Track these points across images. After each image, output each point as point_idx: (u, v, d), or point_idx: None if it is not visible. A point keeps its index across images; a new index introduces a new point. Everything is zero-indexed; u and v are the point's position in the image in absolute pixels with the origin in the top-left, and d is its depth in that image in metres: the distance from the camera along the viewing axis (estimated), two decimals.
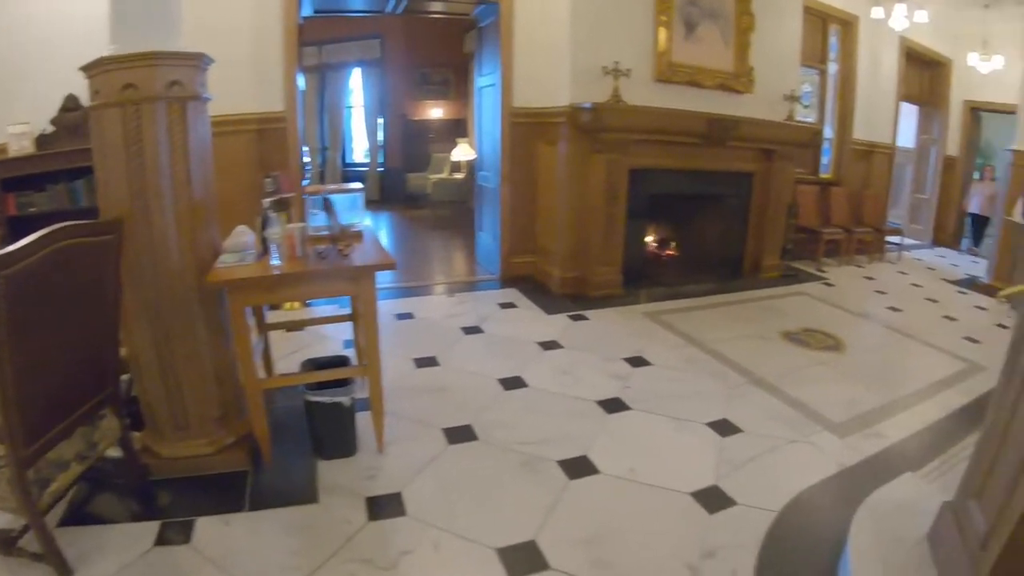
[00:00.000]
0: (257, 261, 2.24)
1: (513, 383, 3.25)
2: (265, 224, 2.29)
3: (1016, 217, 6.07)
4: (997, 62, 8.20)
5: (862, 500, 2.17)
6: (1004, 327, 5.32)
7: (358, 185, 3.09)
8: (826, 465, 2.69)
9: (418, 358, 3.51)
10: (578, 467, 2.48)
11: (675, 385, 3.42)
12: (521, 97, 5.12)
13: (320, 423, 2.39)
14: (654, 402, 3.16)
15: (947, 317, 5.60)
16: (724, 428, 2.95)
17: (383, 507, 2.13)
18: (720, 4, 5.32)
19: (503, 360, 3.53)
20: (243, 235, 2.24)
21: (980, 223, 9.45)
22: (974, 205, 9.43)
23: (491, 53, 5.28)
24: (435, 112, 10.21)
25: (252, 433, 2.32)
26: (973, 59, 8.41)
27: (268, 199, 2.49)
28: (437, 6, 5.40)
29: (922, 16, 7.11)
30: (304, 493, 2.18)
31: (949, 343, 4.76)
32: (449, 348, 3.70)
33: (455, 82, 10.07)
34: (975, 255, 9.25)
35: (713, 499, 2.34)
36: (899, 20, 6.99)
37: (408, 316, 4.27)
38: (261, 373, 2.65)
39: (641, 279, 5.34)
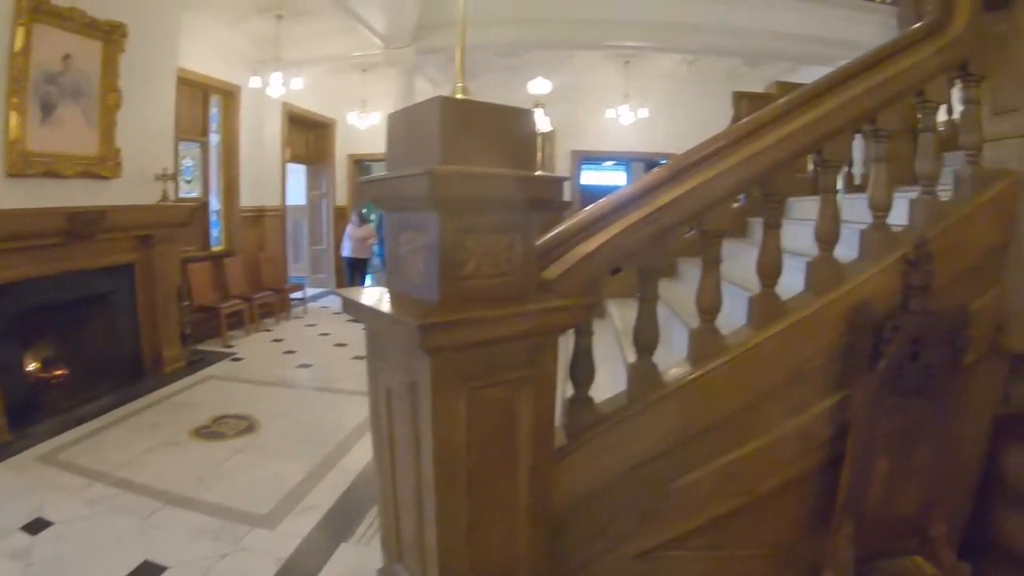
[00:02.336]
0: None
1: None
2: None
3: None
4: (374, 118, 11.35)
5: None
6: None
7: None
8: (265, 568, 3.15)
9: None
10: None
11: (84, 541, 3.55)
12: None
13: None
14: (64, 573, 3.23)
15: (357, 357, 7.29)
16: (148, 573, 3.18)
17: None
18: (84, 80, 5.79)
19: None
20: None
21: (358, 265, 12.18)
22: (347, 249, 12.02)
23: None
24: None
25: None
26: (353, 117, 11.47)
27: None
28: None
29: (298, 83, 9.35)
30: None
31: (362, 383, 6.10)
32: None
33: None
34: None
35: None
36: (277, 89, 8.97)
37: None
38: None
39: (31, 414, 5.37)
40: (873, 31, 8.78)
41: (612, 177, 15.86)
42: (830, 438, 2.40)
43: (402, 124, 1.85)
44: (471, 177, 1.63)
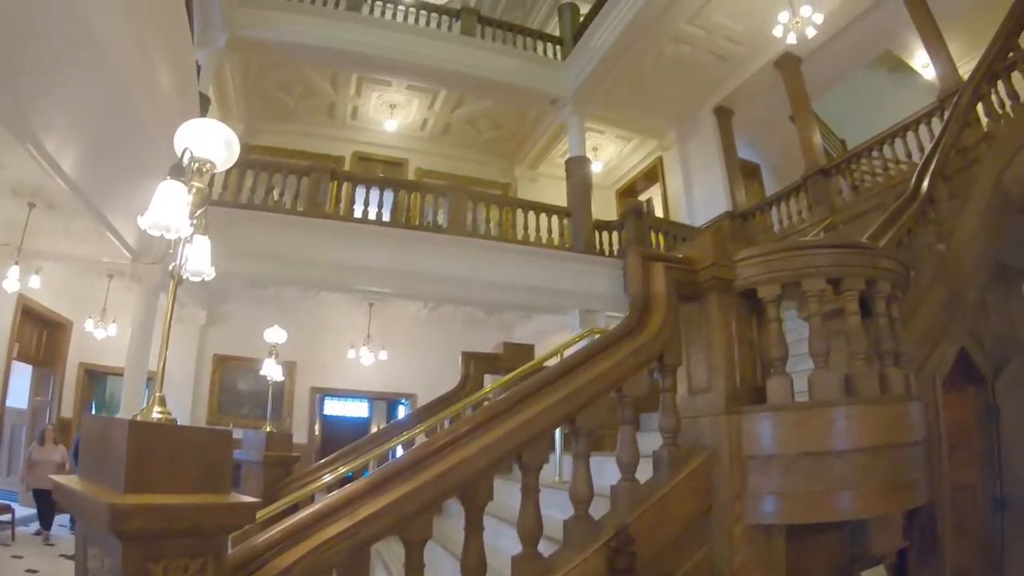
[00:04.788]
0: None
1: None
2: None
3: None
4: (113, 329, 11.00)
5: None
6: None
7: None
8: None
9: None
10: None
11: None
12: None
13: None
14: None
15: None
16: None
17: None
18: None
19: None
20: None
21: (47, 500, 9.20)
22: (32, 477, 9.39)
23: None
24: None
25: None
26: (91, 324, 11.00)
27: None
28: None
29: (36, 282, 9.19)
30: None
31: None
32: None
33: None
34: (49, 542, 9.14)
35: None
36: (12, 283, 8.60)
37: None
38: None
39: None
40: (600, 281, 10.39)
41: (355, 408, 17.22)
42: None
43: (97, 433, 1.87)
44: (157, 509, 1.63)
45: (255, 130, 13.32)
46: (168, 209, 2.36)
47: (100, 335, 10.94)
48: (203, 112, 9.01)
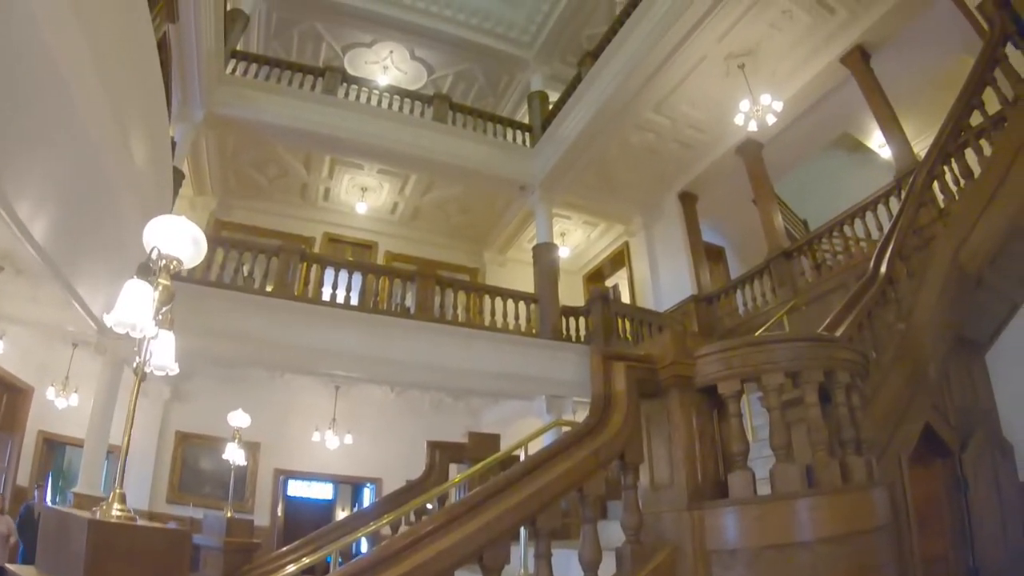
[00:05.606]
0: None
1: None
2: None
3: None
4: (75, 399, 10.71)
5: None
6: None
7: None
8: None
9: None
10: None
11: None
12: None
13: None
14: None
15: None
16: None
17: None
18: None
19: None
20: None
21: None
22: None
23: None
24: None
25: None
26: (52, 393, 10.70)
27: None
28: None
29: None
30: None
31: None
32: None
33: None
34: None
35: None
36: None
37: None
38: None
39: None
40: (567, 367, 10.42)
41: (319, 490, 16.77)
42: None
43: (55, 525, 1.90)
44: None
45: (228, 206, 13.37)
46: (134, 308, 2.37)
47: (61, 404, 10.64)
48: (176, 186, 9.03)
